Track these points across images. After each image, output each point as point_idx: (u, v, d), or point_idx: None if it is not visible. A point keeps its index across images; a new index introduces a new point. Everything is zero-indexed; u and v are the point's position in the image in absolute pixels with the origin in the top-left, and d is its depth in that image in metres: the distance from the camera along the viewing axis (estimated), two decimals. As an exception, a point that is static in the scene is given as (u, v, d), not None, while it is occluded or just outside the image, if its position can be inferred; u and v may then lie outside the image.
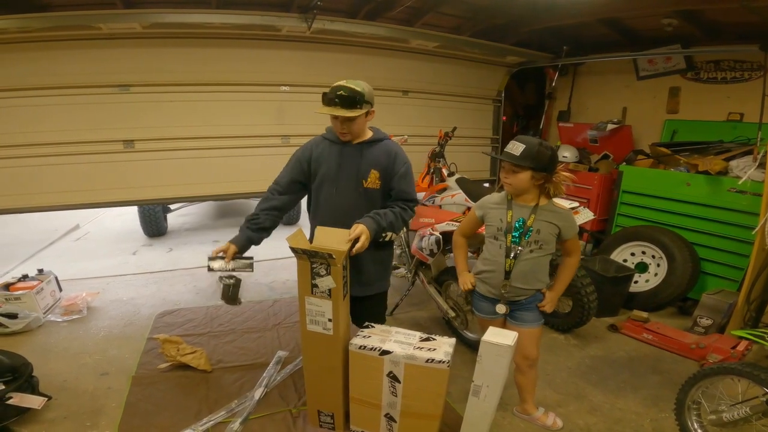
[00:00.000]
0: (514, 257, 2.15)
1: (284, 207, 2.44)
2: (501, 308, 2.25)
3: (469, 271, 2.39)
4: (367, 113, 2.20)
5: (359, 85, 2.13)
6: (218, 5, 3.61)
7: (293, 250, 2.05)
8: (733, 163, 3.70)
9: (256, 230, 2.38)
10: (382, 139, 2.33)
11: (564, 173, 2.13)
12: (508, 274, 2.17)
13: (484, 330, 2.10)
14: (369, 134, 2.32)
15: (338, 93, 2.09)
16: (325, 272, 2.05)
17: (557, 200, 2.20)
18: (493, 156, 4.19)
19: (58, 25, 3.27)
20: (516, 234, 2.15)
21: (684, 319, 3.70)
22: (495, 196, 2.28)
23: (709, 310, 3.40)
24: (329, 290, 2.08)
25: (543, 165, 2.03)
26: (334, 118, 2.17)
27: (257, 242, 2.41)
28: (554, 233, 2.14)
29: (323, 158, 2.32)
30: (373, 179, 2.26)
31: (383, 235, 2.24)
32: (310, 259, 2.05)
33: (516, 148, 2.04)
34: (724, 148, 3.93)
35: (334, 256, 1.99)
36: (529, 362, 2.34)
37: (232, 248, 2.31)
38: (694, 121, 4.55)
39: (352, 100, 2.10)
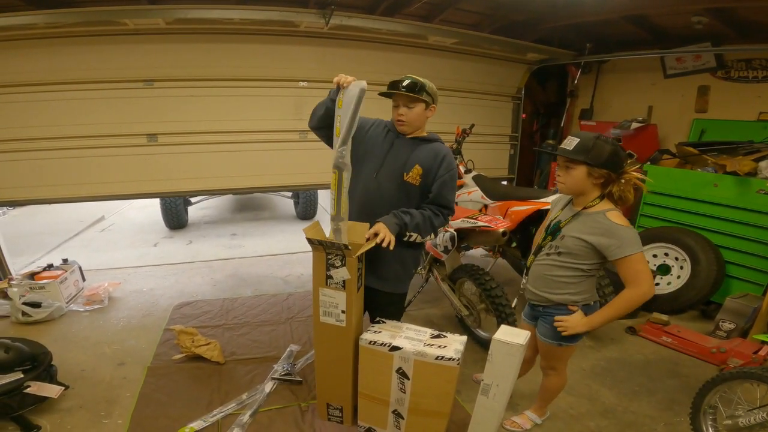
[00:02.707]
0: (534, 254, 2.05)
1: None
2: (526, 308, 2.18)
3: None
4: (427, 107, 2.20)
5: (426, 82, 2.18)
6: (238, 1, 3.65)
7: (310, 240, 2.06)
8: (762, 164, 3.56)
9: None
10: (435, 140, 2.29)
11: (634, 173, 1.82)
12: (527, 270, 2.09)
13: None
14: (424, 133, 2.30)
15: (403, 80, 2.15)
16: (340, 263, 2.06)
17: (614, 213, 1.84)
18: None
19: (86, 21, 3.36)
20: (546, 233, 2.02)
21: (706, 322, 3.59)
22: (567, 195, 2.06)
23: (732, 314, 3.30)
24: (343, 282, 2.08)
25: (601, 160, 1.77)
26: (396, 106, 2.19)
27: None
28: (585, 246, 1.85)
29: (375, 139, 2.29)
30: (414, 174, 2.21)
31: (408, 234, 2.19)
32: (326, 250, 2.06)
33: (570, 142, 1.83)
34: (753, 148, 3.79)
35: (350, 248, 1.99)
36: (543, 369, 2.28)
37: None
38: (723, 120, 4.42)
39: (415, 87, 2.13)
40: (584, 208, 1.89)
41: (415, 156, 2.22)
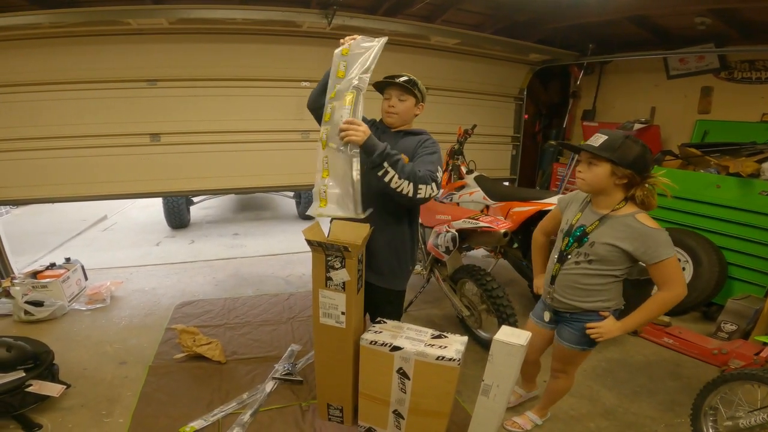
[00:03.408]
0: (560, 262, 1.97)
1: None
2: (546, 315, 2.13)
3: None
4: (416, 103, 2.27)
5: (419, 81, 2.26)
6: (241, 1, 3.66)
7: (309, 242, 2.06)
8: (765, 165, 3.55)
9: None
10: (421, 132, 2.30)
11: (661, 178, 1.76)
12: (553, 279, 2.01)
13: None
14: (412, 119, 2.34)
15: (398, 75, 2.22)
16: (339, 265, 2.06)
17: (643, 215, 1.78)
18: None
19: (89, 21, 3.37)
20: (571, 240, 1.92)
21: (708, 324, 3.59)
22: (581, 194, 2.00)
23: (734, 316, 3.30)
24: (343, 283, 2.08)
25: (627, 161, 1.70)
26: (387, 98, 2.24)
27: None
28: (618, 252, 1.80)
29: None
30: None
31: (384, 168, 1.93)
32: (325, 251, 2.06)
33: (597, 138, 1.76)
34: (756, 149, 3.77)
35: (349, 249, 1.99)
36: (554, 372, 2.25)
37: None
38: (726, 121, 4.41)
39: (407, 81, 2.22)
40: (612, 211, 1.82)
41: (400, 146, 2.22)
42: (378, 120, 2.37)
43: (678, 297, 1.78)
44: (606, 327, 1.89)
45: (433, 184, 2.05)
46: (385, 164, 1.92)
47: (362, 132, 1.87)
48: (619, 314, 1.97)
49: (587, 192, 1.90)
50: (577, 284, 1.93)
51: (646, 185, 1.76)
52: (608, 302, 1.92)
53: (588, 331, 1.92)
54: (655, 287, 1.85)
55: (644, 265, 1.81)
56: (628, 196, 1.80)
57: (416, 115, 2.31)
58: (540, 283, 2.22)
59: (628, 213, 1.78)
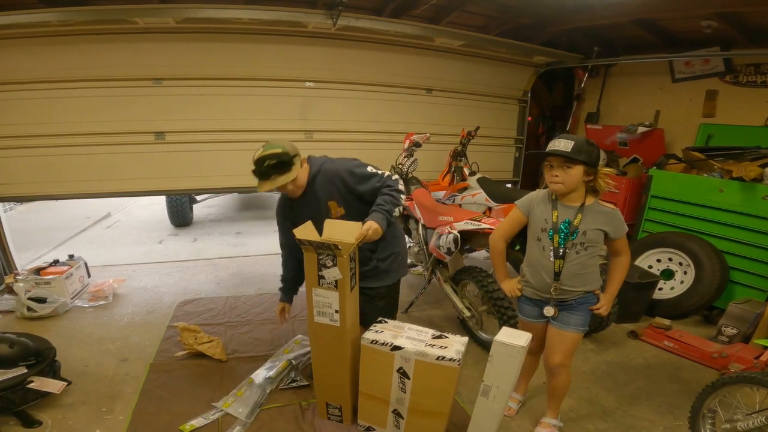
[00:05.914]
0: (562, 257, 2.07)
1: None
2: (549, 310, 2.17)
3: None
4: (301, 164, 2.26)
5: (279, 146, 2.18)
6: (247, 1, 3.68)
7: (300, 241, 2.07)
8: (768, 170, 3.56)
9: (292, 290, 2.74)
10: (318, 168, 2.33)
11: (605, 168, 2.05)
12: (557, 275, 2.09)
13: None
14: (307, 174, 2.33)
15: (267, 164, 2.15)
16: (331, 263, 2.06)
17: (602, 200, 2.08)
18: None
19: (97, 19, 3.40)
20: (562, 235, 2.06)
21: (708, 328, 3.58)
22: (540, 194, 2.17)
23: (734, 320, 3.29)
24: (335, 281, 2.09)
25: (594, 160, 1.96)
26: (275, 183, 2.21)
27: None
28: (602, 234, 2.05)
29: (294, 213, 2.40)
30: (335, 210, 2.33)
31: (393, 216, 2.30)
32: (316, 250, 2.06)
33: (565, 144, 1.93)
34: (760, 154, 3.76)
35: (340, 247, 1.99)
36: (550, 369, 2.27)
37: (287, 306, 2.74)
38: (730, 125, 4.39)
39: (282, 164, 2.16)
40: (584, 202, 2.05)
41: (321, 198, 2.31)
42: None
43: (630, 258, 2.17)
44: (606, 301, 2.16)
45: (391, 178, 2.32)
46: (392, 214, 2.25)
47: (374, 232, 2.12)
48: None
49: (564, 193, 2.05)
50: (582, 271, 2.09)
51: (599, 176, 2.02)
52: (599, 281, 2.17)
53: (596, 312, 2.16)
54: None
55: (613, 239, 2.07)
56: (588, 188, 2.05)
57: (304, 166, 2.31)
58: (510, 287, 2.31)
59: (594, 201, 2.06)
